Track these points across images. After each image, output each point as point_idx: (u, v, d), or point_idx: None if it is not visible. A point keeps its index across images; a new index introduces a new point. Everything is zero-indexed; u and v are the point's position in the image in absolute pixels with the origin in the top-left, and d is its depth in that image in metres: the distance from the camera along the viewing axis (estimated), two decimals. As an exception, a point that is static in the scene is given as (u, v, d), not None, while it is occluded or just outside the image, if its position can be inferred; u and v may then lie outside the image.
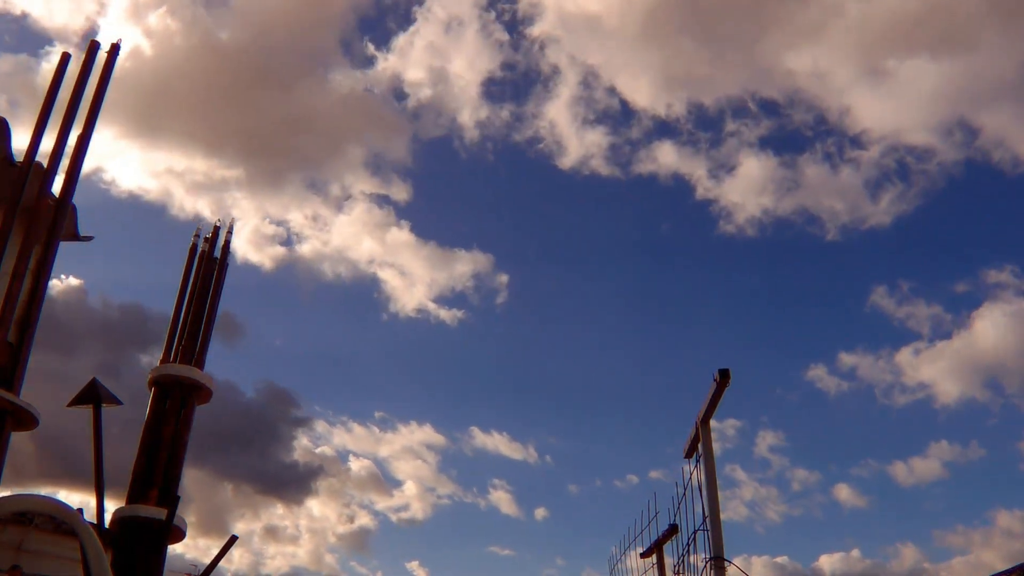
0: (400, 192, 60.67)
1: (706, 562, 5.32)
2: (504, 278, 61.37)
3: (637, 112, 59.49)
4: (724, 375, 5.44)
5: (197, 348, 16.46)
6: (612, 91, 58.57)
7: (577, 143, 58.09)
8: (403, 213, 63.87)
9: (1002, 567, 11.44)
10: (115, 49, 14.77)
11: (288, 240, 59.18)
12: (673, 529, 7.23)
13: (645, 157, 59.12)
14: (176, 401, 15.70)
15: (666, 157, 58.06)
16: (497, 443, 58.04)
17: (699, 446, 5.98)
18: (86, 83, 14.25)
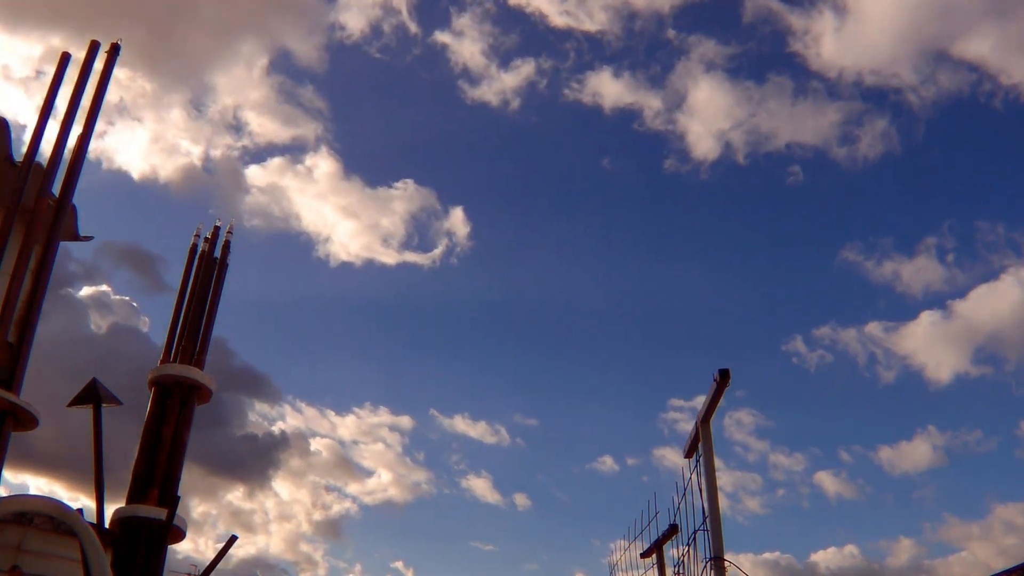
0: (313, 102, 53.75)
1: (706, 562, 5.31)
2: (458, 222, 54.25)
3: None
4: (724, 375, 5.43)
5: (197, 348, 16.46)
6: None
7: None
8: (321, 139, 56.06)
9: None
10: (115, 49, 14.78)
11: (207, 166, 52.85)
12: (673, 529, 7.23)
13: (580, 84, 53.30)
14: (176, 401, 15.70)
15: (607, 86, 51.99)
16: (460, 425, 55.70)
17: (699, 446, 5.97)
18: (86, 83, 14.24)
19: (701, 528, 5.54)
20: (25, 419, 12.30)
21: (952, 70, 48.71)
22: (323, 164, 56.09)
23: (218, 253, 17.53)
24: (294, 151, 59.24)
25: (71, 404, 13.72)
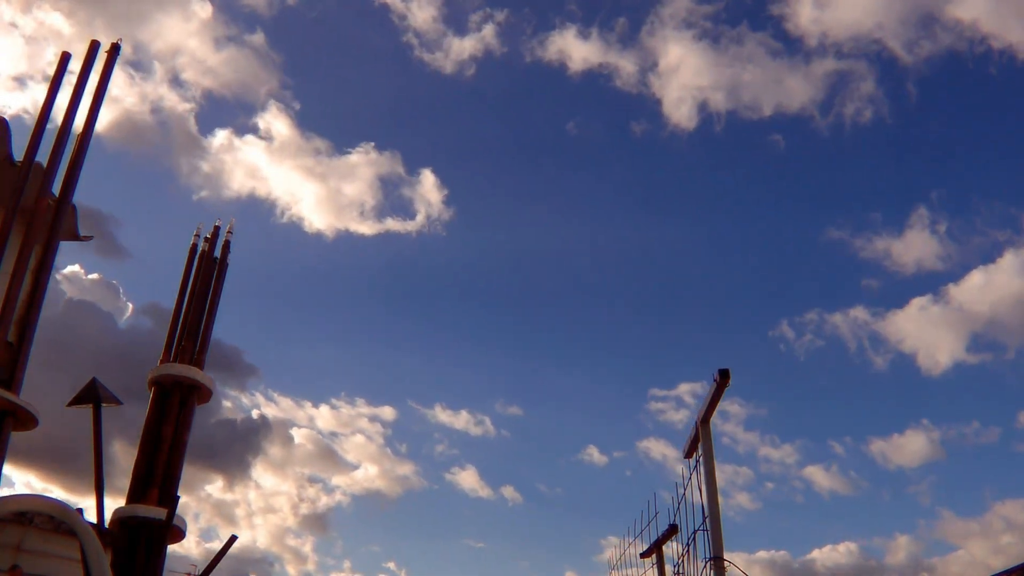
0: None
1: (706, 562, 5.32)
2: (430, 187, 52.25)
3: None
4: (724, 375, 5.44)
5: (197, 348, 16.46)
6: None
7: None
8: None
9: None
10: (115, 49, 14.78)
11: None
12: (673, 529, 7.24)
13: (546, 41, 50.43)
14: (176, 401, 15.70)
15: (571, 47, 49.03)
16: (442, 416, 53.98)
17: (699, 446, 5.98)
18: (86, 83, 14.25)
19: (701, 528, 5.55)
20: (25, 419, 12.30)
21: (943, 32, 46.41)
22: (277, 124, 53.12)
23: (218, 253, 17.52)
24: (246, 109, 56.09)
25: (70, 404, 13.72)
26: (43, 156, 13.52)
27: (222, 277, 17.48)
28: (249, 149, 53.86)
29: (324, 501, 52.54)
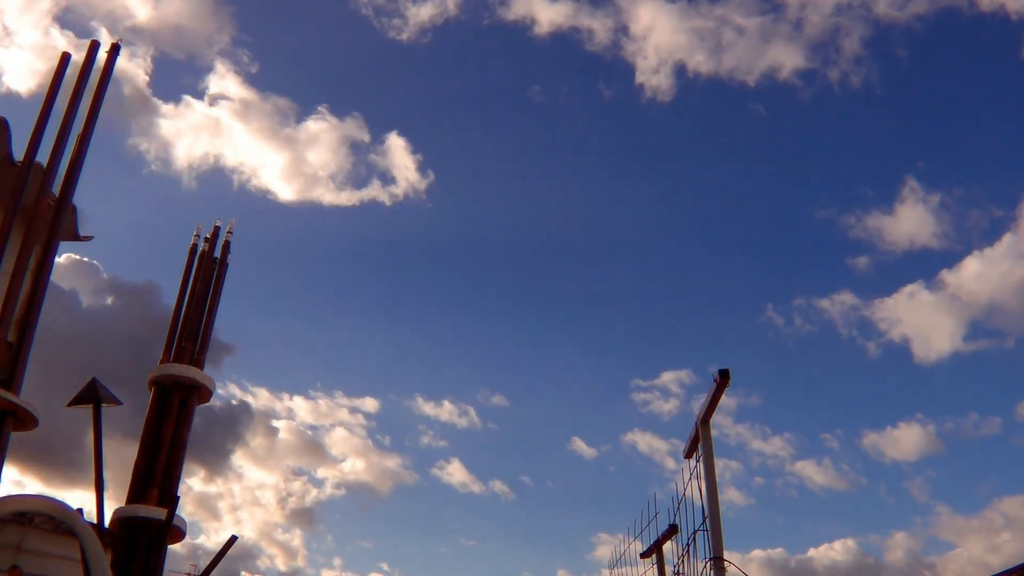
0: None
1: (706, 562, 5.33)
2: (399, 151, 48.99)
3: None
4: (724, 375, 5.45)
5: (197, 348, 16.47)
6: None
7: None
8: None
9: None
10: (115, 49, 14.79)
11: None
12: (673, 529, 7.24)
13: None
14: (176, 401, 15.70)
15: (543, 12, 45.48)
16: (425, 407, 51.88)
17: (699, 446, 5.98)
18: (86, 83, 14.25)
19: (701, 528, 5.55)
20: (25, 419, 12.30)
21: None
22: (232, 86, 49.74)
23: (218, 253, 17.53)
24: (198, 70, 52.78)
25: (70, 404, 13.71)
26: (43, 156, 13.53)
27: (222, 277, 17.49)
28: (204, 112, 51.20)
29: (310, 495, 51.55)
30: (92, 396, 13.30)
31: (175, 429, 15.51)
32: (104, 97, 14.49)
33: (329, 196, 50.15)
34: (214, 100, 50.51)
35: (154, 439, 15.31)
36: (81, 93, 14.15)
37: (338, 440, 52.90)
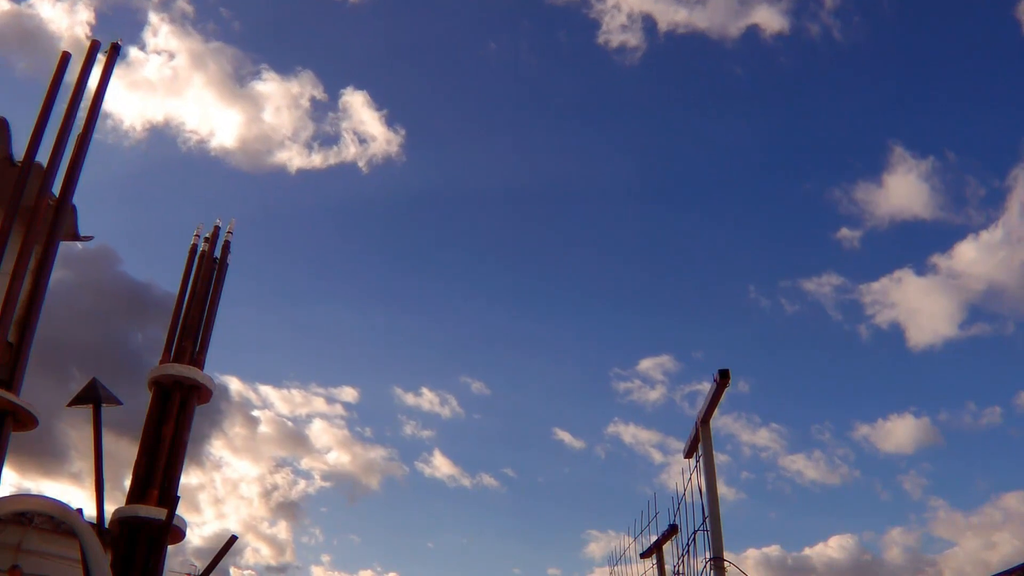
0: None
1: (706, 562, 5.33)
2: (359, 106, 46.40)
3: None
4: (724, 375, 5.45)
5: (197, 348, 16.47)
6: None
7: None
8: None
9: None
10: (115, 49, 14.79)
11: None
12: (673, 529, 7.25)
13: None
14: (176, 401, 15.70)
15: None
16: (407, 398, 50.19)
17: (699, 446, 5.98)
18: (86, 82, 14.26)
19: (701, 528, 5.55)
20: (25, 419, 12.31)
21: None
22: (174, 40, 46.34)
23: (218, 253, 17.53)
24: (135, 24, 49.14)
25: (71, 404, 13.72)
26: (43, 156, 13.53)
27: (222, 277, 17.49)
28: (144, 66, 47.32)
29: (297, 488, 50.62)
30: (92, 396, 13.31)
31: (175, 429, 15.52)
32: (104, 97, 14.51)
33: (298, 160, 47.80)
34: (153, 55, 47.81)
35: (154, 439, 15.31)
36: (81, 93, 14.16)
37: (318, 432, 51.77)
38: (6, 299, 12.30)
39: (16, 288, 12.47)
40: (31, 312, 12.69)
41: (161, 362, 16.25)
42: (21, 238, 12.98)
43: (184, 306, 16.82)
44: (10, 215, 12.79)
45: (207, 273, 17.22)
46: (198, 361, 16.38)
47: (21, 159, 13.52)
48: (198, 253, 17.34)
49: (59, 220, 13.53)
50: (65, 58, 14.33)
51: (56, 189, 13.73)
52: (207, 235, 17.51)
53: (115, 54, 14.75)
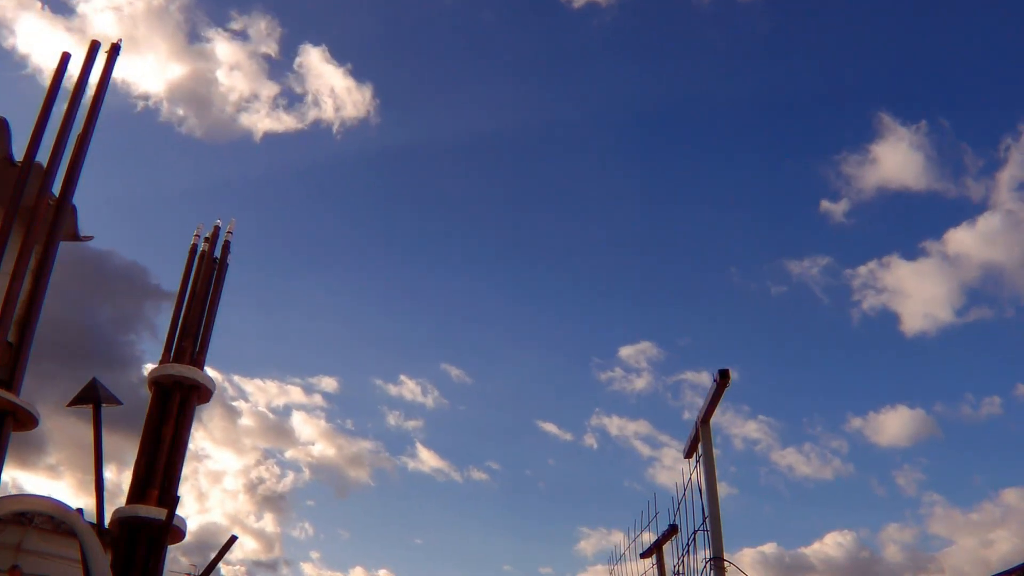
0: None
1: (706, 562, 5.33)
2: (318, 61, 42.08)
3: None
4: (724, 375, 5.45)
5: (197, 348, 16.47)
6: None
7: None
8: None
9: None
10: (115, 49, 14.79)
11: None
12: (673, 529, 7.25)
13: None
14: (176, 401, 15.70)
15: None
16: (389, 388, 47.85)
17: (699, 446, 5.98)
18: (86, 82, 14.26)
19: (701, 528, 5.55)
20: (25, 419, 12.31)
21: None
22: None
23: (218, 253, 17.53)
24: None
25: (70, 404, 13.72)
26: (43, 156, 13.53)
27: (222, 277, 17.49)
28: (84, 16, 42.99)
29: (283, 481, 49.66)
30: (92, 396, 13.32)
31: (175, 429, 15.52)
32: (104, 97, 14.50)
33: (265, 124, 45.55)
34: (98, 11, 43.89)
35: (154, 439, 15.31)
36: (81, 93, 14.15)
37: (299, 423, 50.69)
38: (6, 299, 12.30)
39: (16, 288, 12.47)
40: (31, 312, 12.69)
41: (161, 362, 16.26)
42: (21, 238, 12.98)
43: (184, 306, 16.83)
44: (10, 215, 12.79)
45: (207, 273, 17.22)
46: (198, 361, 16.38)
47: (21, 159, 13.52)
48: (198, 253, 17.34)
49: (59, 220, 13.53)
50: (65, 58, 14.33)
51: (56, 189, 13.73)
52: (207, 235, 17.52)
53: (115, 54, 14.75)
